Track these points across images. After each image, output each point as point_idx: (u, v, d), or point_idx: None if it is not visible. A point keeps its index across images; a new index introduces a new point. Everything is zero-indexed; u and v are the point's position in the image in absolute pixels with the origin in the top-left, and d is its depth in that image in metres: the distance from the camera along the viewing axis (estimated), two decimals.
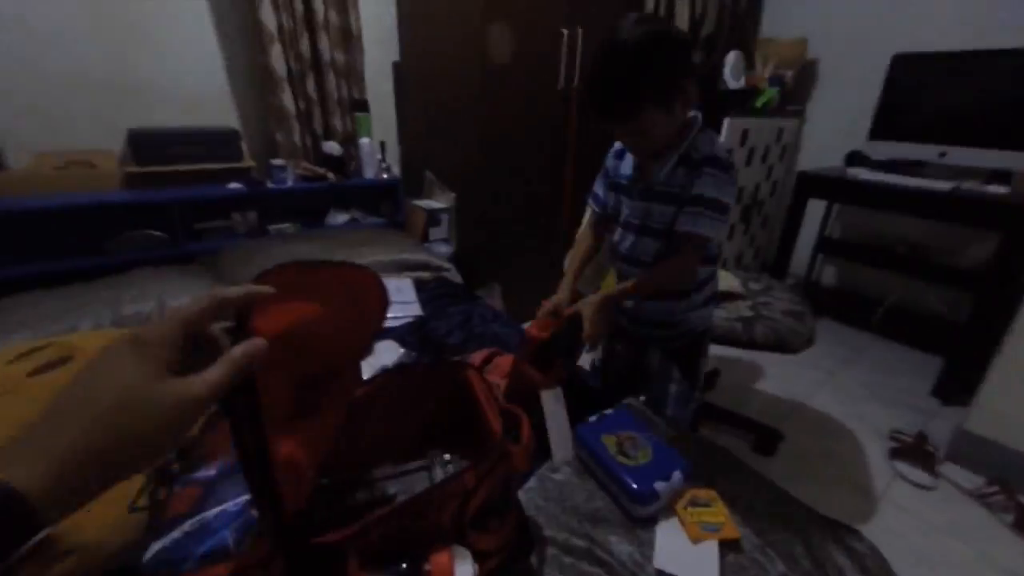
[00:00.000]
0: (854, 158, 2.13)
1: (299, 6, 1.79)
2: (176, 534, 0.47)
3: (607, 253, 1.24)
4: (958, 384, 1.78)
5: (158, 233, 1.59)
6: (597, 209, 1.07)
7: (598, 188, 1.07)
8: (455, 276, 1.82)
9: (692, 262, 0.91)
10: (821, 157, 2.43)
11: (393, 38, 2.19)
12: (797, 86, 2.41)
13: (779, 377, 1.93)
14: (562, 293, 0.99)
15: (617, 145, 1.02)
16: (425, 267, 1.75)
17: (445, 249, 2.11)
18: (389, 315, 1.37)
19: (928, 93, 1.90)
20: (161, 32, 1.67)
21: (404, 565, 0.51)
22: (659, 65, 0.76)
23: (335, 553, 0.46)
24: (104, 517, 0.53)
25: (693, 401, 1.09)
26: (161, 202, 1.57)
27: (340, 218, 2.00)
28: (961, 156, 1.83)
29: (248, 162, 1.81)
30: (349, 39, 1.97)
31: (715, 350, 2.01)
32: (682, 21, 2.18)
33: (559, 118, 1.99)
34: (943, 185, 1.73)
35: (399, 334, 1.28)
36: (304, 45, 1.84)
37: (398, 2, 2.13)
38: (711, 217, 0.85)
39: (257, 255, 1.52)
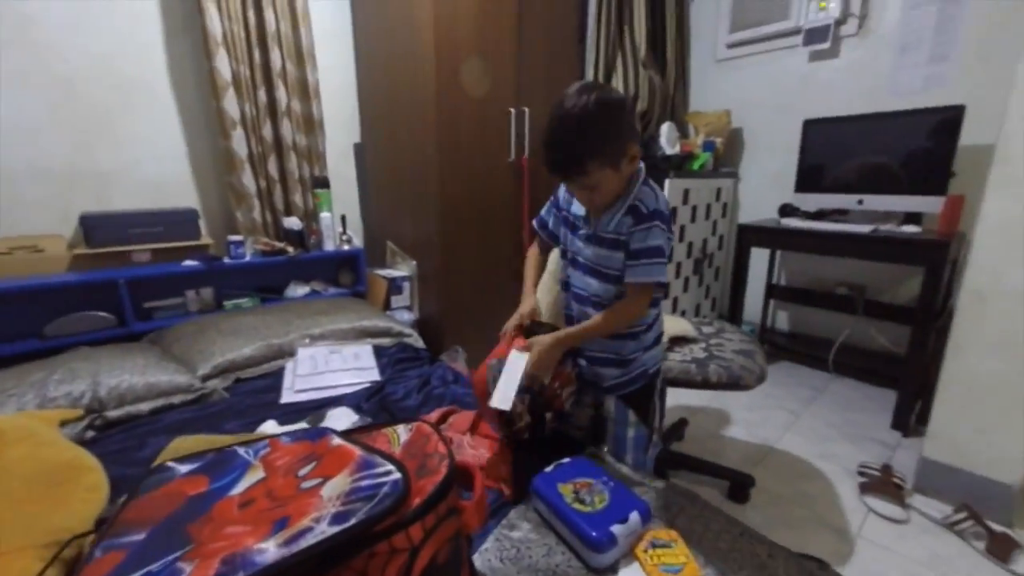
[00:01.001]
0: (786, 209, 2.32)
1: (263, 96, 1.91)
2: None
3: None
4: (914, 415, 1.84)
5: (103, 314, 1.55)
6: (544, 237, 1.13)
7: (547, 216, 1.12)
8: (417, 341, 1.81)
9: (643, 307, 0.97)
10: (758, 211, 2.63)
11: (354, 121, 2.34)
12: (728, 150, 2.67)
13: (746, 422, 1.93)
14: (525, 305, 1.07)
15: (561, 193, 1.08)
16: (386, 333, 1.74)
17: (408, 316, 2.12)
18: (345, 382, 1.35)
19: (839, 150, 2.13)
20: (124, 122, 1.74)
21: None
22: (602, 127, 0.85)
23: None
24: None
25: (652, 445, 1.08)
26: (105, 282, 1.54)
27: (300, 290, 2.00)
28: (877, 203, 2.02)
29: (206, 240, 1.83)
30: (311, 124, 2.09)
31: (680, 398, 2.06)
32: None
33: (512, 188, 2.12)
34: (864, 228, 1.90)
35: (355, 401, 1.24)
36: (267, 130, 1.95)
37: (358, 89, 2.31)
38: (662, 264, 0.93)
39: (207, 330, 1.49)
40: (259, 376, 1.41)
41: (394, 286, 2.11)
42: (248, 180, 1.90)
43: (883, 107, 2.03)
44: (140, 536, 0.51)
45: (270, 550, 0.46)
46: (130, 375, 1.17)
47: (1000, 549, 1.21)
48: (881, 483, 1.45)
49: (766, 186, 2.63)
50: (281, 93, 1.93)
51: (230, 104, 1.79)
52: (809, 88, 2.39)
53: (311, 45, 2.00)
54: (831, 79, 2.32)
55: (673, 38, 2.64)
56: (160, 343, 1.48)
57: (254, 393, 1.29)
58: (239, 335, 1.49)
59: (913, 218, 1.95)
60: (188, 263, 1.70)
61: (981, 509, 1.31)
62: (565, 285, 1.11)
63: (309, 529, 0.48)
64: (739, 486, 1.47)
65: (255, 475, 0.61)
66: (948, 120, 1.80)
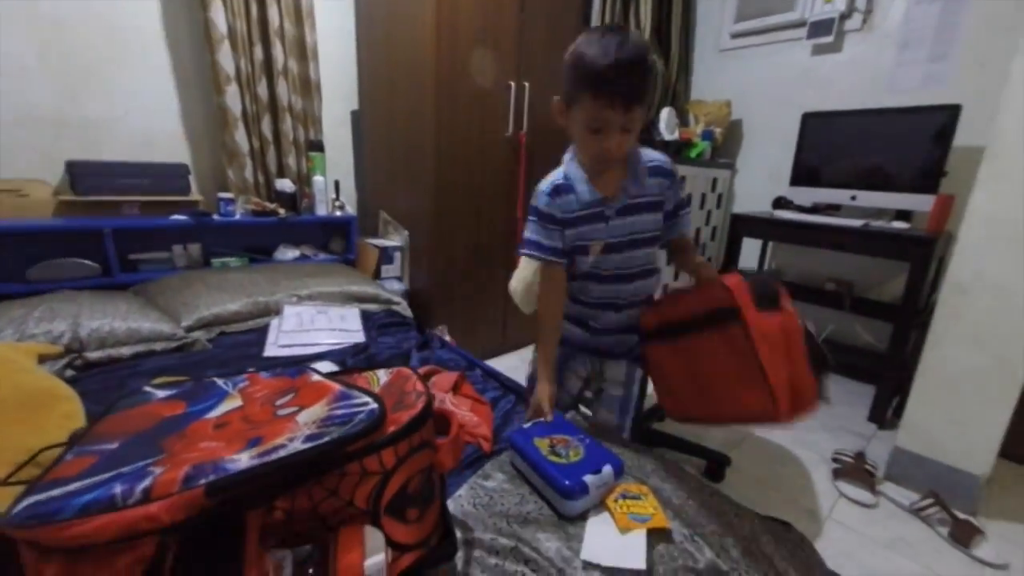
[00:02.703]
0: (780, 202, 2.33)
1: (259, 53, 1.87)
2: (55, 491, 0.42)
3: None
4: (891, 410, 1.87)
5: (88, 262, 1.53)
6: (554, 257, 0.96)
7: (554, 241, 0.95)
8: (405, 309, 1.81)
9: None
10: (752, 202, 2.64)
11: (353, 88, 2.31)
12: (726, 141, 2.66)
13: None
14: (546, 390, 0.94)
15: (546, 185, 0.96)
16: (374, 299, 1.73)
17: (398, 286, 2.11)
18: (329, 341, 1.34)
19: (836, 145, 2.14)
20: (114, 71, 1.70)
21: (309, 546, 0.48)
22: (653, 65, 0.85)
23: (235, 526, 0.43)
24: None
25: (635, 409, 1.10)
26: (90, 230, 1.51)
27: (290, 254, 1.98)
28: (870, 199, 2.04)
29: (195, 196, 1.80)
30: (308, 86, 2.06)
31: None
32: None
33: (509, 163, 2.10)
34: (855, 223, 1.91)
35: (339, 357, 1.24)
36: (262, 88, 1.91)
37: (358, 56, 2.27)
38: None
39: (194, 283, 1.48)
40: (244, 331, 1.40)
41: (385, 255, 2.10)
42: (241, 138, 1.87)
43: (882, 103, 2.04)
44: (112, 445, 0.51)
45: (242, 460, 0.46)
46: (111, 319, 1.15)
47: (963, 535, 1.25)
48: (853, 469, 1.48)
49: (762, 179, 2.64)
50: (278, 51, 1.90)
51: (225, 58, 1.76)
52: (810, 81, 2.39)
53: (311, 4, 1.96)
54: (832, 73, 2.31)
55: (678, 25, 2.62)
56: (144, 294, 1.47)
57: (237, 346, 1.28)
58: (225, 290, 1.48)
59: (904, 215, 1.97)
60: (176, 217, 1.67)
61: (948, 497, 1.34)
62: (589, 276, 1.01)
63: (282, 446, 0.48)
64: (715, 464, 1.49)
65: (232, 403, 0.61)
66: (944, 119, 1.81)
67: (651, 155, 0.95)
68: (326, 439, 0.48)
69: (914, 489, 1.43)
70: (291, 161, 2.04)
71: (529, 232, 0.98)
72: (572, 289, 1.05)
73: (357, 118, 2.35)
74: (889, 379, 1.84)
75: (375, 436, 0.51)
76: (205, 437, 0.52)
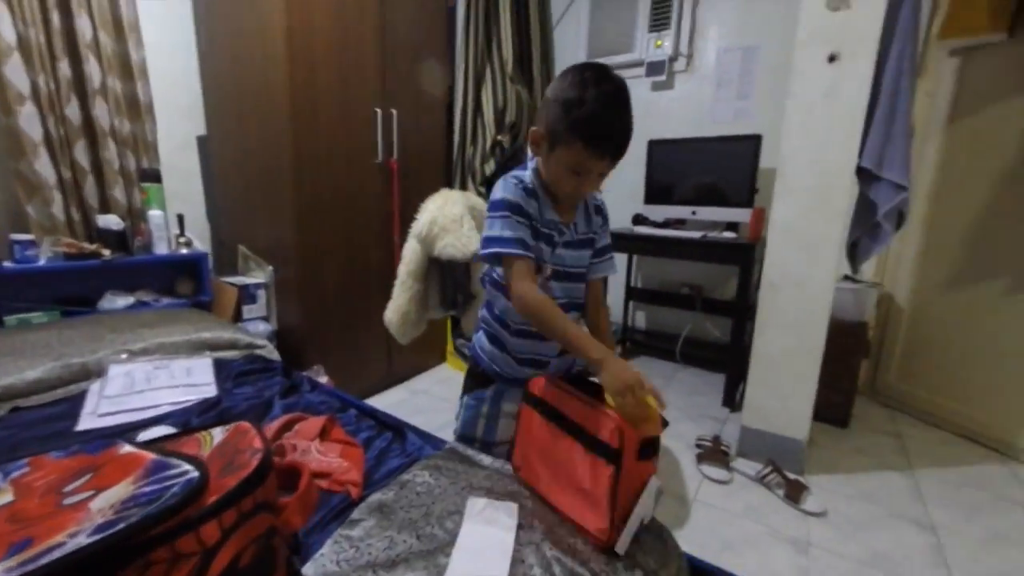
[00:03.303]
0: (637, 218, 2.60)
1: (65, 69, 1.60)
2: None
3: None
4: (739, 394, 2.16)
5: None
6: (532, 258, 0.87)
7: (524, 235, 0.86)
8: (271, 353, 1.64)
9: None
10: (616, 221, 2.88)
11: (197, 110, 2.09)
12: None
13: None
14: (626, 369, 0.74)
15: (515, 180, 0.88)
16: (232, 345, 1.54)
17: (264, 327, 1.92)
18: (170, 400, 1.16)
19: (677, 167, 2.46)
20: None
21: None
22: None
23: None
24: None
25: None
26: None
27: (120, 301, 1.69)
28: (706, 213, 2.36)
29: None
30: (136, 107, 1.81)
31: None
32: (487, 108, 2.51)
33: (380, 190, 2.05)
34: (695, 234, 2.21)
35: (183, 418, 1.07)
36: (72, 109, 1.63)
37: (202, 75, 2.06)
38: None
39: None
40: (49, 403, 1.14)
41: (246, 294, 1.90)
42: (44, 167, 1.57)
43: (707, 133, 2.40)
44: None
45: None
46: None
47: (794, 493, 1.47)
48: (712, 452, 1.67)
49: (623, 198, 2.92)
50: (92, 67, 1.64)
51: (14, 73, 1.47)
52: (652, 113, 2.73)
53: (133, 16, 1.75)
54: (669, 106, 2.67)
55: (538, 59, 2.82)
56: None
57: (36, 423, 1.04)
58: (22, 355, 1.20)
59: (732, 227, 2.32)
60: None
61: (782, 463, 1.58)
62: None
63: (59, 545, 0.40)
64: None
65: (2, 498, 0.50)
66: (751, 146, 2.18)
67: (592, 193, 0.98)
68: (120, 526, 0.41)
69: (759, 460, 1.65)
70: (118, 193, 1.76)
71: (494, 229, 0.86)
72: (508, 311, 0.95)
73: (205, 143, 2.12)
74: (733, 367, 2.12)
75: (190, 511, 0.45)
76: None
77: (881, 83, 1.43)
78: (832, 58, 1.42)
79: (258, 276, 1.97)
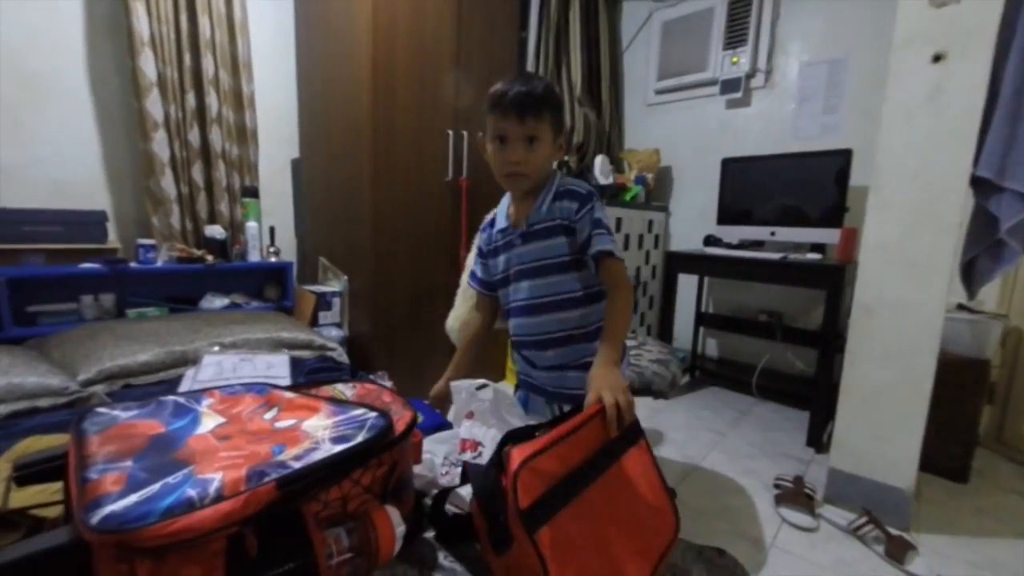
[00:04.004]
0: (709, 240, 2.47)
1: (191, 101, 1.86)
2: (125, 501, 0.45)
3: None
4: (827, 434, 1.93)
5: None
6: (477, 287, 1.10)
7: (475, 268, 1.11)
8: (341, 356, 1.73)
9: (626, 276, 0.92)
10: (686, 242, 2.79)
11: (294, 138, 2.32)
12: (658, 185, 2.84)
13: (675, 442, 1.96)
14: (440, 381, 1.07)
15: (483, 226, 1.08)
16: (307, 346, 1.65)
17: (336, 333, 2.04)
18: (242, 383, 1.26)
19: (753, 186, 2.32)
20: (28, 118, 1.64)
21: (351, 523, 0.56)
22: (558, 101, 0.93)
23: (295, 514, 0.51)
24: None
25: None
26: None
27: (218, 302, 1.88)
28: (787, 234, 2.20)
29: (113, 244, 1.70)
30: (244, 134, 2.05)
31: None
32: None
33: (450, 207, 2.14)
34: (774, 255, 2.05)
35: None
36: (194, 135, 1.89)
37: (299, 107, 2.30)
38: (612, 238, 0.92)
39: (100, 334, 1.36)
40: (153, 383, 1.29)
41: (323, 301, 2.04)
42: (168, 184, 1.81)
43: (789, 149, 2.26)
44: (127, 463, 0.51)
45: (288, 462, 0.52)
46: None
47: (897, 552, 1.26)
48: (793, 494, 1.49)
49: (693, 219, 2.81)
50: (212, 100, 1.89)
51: (153, 106, 1.73)
52: (727, 131, 2.62)
53: (248, 56, 1.99)
54: (745, 124, 2.56)
55: (607, 83, 2.84)
56: (40, 347, 1.33)
57: (141, 399, 1.17)
58: (137, 340, 1.37)
59: (818, 248, 2.13)
60: (87, 266, 1.57)
61: (880, 514, 1.37)
62: (510, 309, 1.06)
63: (314, 448, 0.55)
64: None
65: (213, 419, 0.64)
66: (840, 161, 2.02)
67: (568, 181, 0.96)
68: (359, 440, 0.57)
69: (850, 509, 1.45)
70: (223, 207, 1.99)
71: (473, 266, 1.10)
72: (510, 328, 1.08)
73: (298, 165, 2.34)
74: (820, 403, 1.91)
75: (389, 436, 0.60)
76: (218, 449, 0.56)
77: (1001, 83, 1.27)
78: (937, 58, 1.28)
79: (334, 285, 2.12)
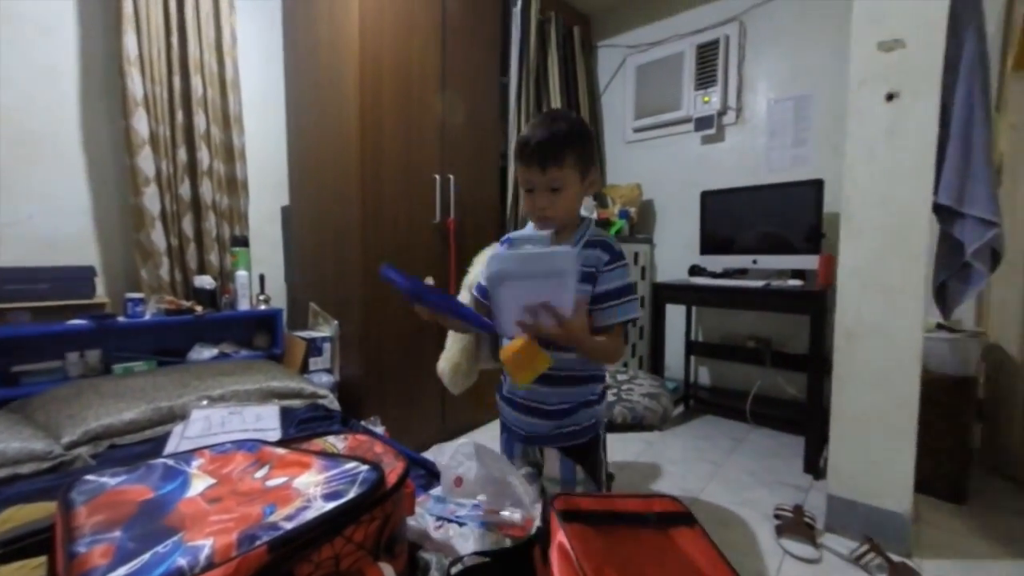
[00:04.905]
0: (694, 269, 2.53)
1: (182, 156, 1.91)
2: (115, 574, 0.45)
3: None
4: (823, 459, 1.93)
5: None
6: (484, 300, 1.06)
7: (484, 281, 1.06)
8: (332, 403, 1.72)
9: (623, 345, 0.98)
10: (672, 273, 2.85)
11: (283, 185, 2.37)
12: (641, 218, 2.92)
13: (672, 475, 1.94)
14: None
15: (500, 241, 1.05)
16: (297, 394, 1.64)
17: (327, 379, 2.02)
18: (232, 441, 1.24)
19: (733, 217, 2.40)
20: (19, 176, 1.65)
21: None
22: (582, 130, 0.93)
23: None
24: None
25: None
26: None
27: (206, 353, 1.87)
28: (768, 262, 2.27)
29: (101, 299, 1.70)
30: (234, 185, 2.09)
31: (609, 453, 2.04)
32: None
33: (438, 248, 2.18)
34: (758, 283, 2.10)
35: None
36: (184, 189, 1.92)
37: (288, 154, 2.36)
38: (635, 301, 0.95)
39: (85, 393, 1.34)
40: (139, 442, 1.26)
41: (313, 347, 2.03)
42: (158, 237, 1.83)
43: (763, 181, 2.35)
44: (115, 533, 0.51)
45: (280, 523, 0.52)
46: None
47: None
48: (794, 524, 1.48)
49: (678, 250, 2.88)
50: (203, 154, 1.94)
51: (145, 162, 1.77)
52: (704, 165, 2.73)
53: (239, 111, 2.06)
54: (720, 158, 2.67)
55: (587, 121, 2.96)
56: (23, 410, 1.31)
57: (126, 460, 1.14)
58: (122, 398, 1.35)
59: (799, 274, 2.19)
60: (74, 323, 1.56)
61: (881, 540, 1.36)
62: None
63: (305, 507, 0.55)
64: None
65: (203, 481, 0.63)
66: (812, 191, 2.11)
67: (602, 233, 0.98)
68: (351, 495, 0.57)
69: (851, 537, 1.44)
70: (213, 257, 2.01)
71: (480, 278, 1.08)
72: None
73: (287, 212, 2.38)
74: (813, 428, 1.91)
75: (381, 490, 0.60)
76: (208, 513, 0.55)
77: (950, 118, 1.35)
78: (891, 96, 1.37)
79: (325, 330, 2.11)
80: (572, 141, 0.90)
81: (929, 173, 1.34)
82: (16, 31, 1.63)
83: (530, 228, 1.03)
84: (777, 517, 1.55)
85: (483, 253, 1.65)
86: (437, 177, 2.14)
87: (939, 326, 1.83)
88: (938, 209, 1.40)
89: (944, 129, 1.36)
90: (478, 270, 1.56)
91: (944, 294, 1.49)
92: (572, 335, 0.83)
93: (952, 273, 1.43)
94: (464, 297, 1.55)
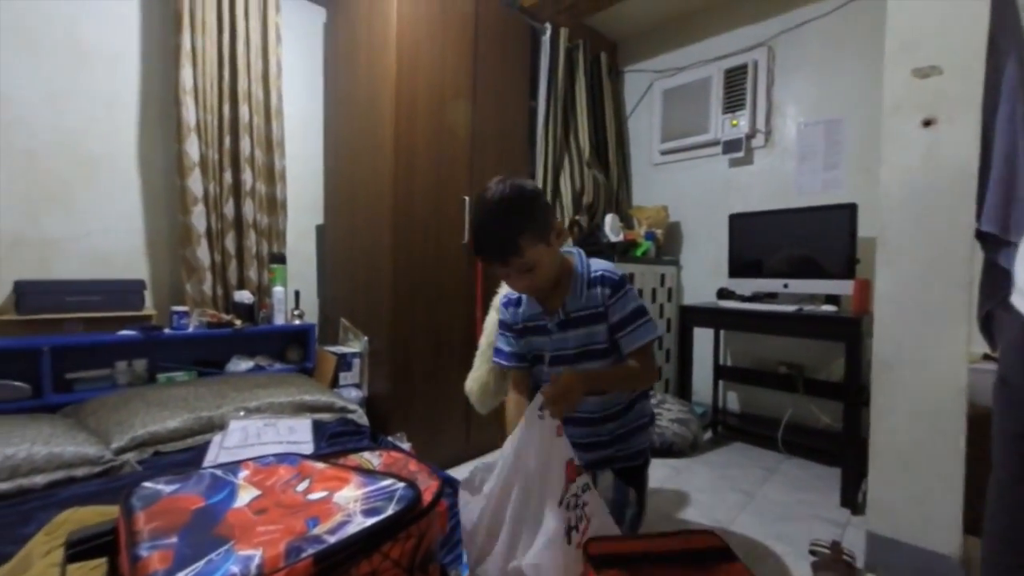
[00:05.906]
0: (723, 292, 2.49)
1: (228, 178, 2.02)
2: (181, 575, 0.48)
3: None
4: (861, 493, 1.85)
5: (17, 383, 1.45)
6: (511, 363, 1.06)
7: (503, 345, 1.07)
8: (361, 417, 1.75)
9: (655, 365, 0.99)
10: (699, 295, 2.82)
11: (319, 204, 2.47)
12: (668, 240, 2.91)
13: (701, 504, 1.89)
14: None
15: (502, 297, 1.08)
16: (328, 408, 1.68)
17: (356, 393, 2.06)
18: (275, 453, 1.28)
19: (763, 240, 2.37)
20: (80, 195, 1.78)
21: None
22: (522, 206, 0.89)
23: None
24: None
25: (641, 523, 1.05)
26: (26, 349, 1.47)
27: (243, 365, 1.94)
28: (800, 286, 2.22)
29: (149, 311, 1.79)
30: (274, 204, 2.19)
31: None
32: (566, 192, 2.68)
33: (466, 268, 2.22)
34: (789, 308, 2.06)
35: None
36: (229, 208, 2.02)
37: (325, 175, 2.46)
38: (652, 320, 0.97)
39: (132, 401, 1.41)
40: (181, 450, 1.31)
41: (343, 362, 2.08)
42: (203, 254, 1.92)
43: (793, 204, 2.33)
44: (172, 539, 0.54)
45: (323, 536, 0.54)
46: (30, 444, 1.07)
47: None
48: (832, 561, 1.42)
49: (705, 273, 2.85)
50: (247, 176, 2.05)
51: (194, 183, 1.88)
52: (732, 188, 2.71)
53: (282, 137, 2.17)
54: (749, 181, 2.65)
55: (614, 145, 3.00)
56: (76, 415, 1.38)
57: (170, 467, 1.20)
58: (166, 407, 1.41)
59: (832, 299, 2.14)
60: (123, 333, 1.64)
61: None
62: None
63: (346, 522, 0.57)
64: None
65: (249, 493, 0.66)
66: (845, 215, 2.07)
67: (598, 265, 0.99)
68: (389, 513, 0.58)
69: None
70: (252, 273, 2.09)
71: (498, 342, 1.10)
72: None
73: (322, 231, 2.47)
74: (850, 460, 1.84)
75: (417, 508, 0.61)
76: (255, 523, 0.58)
77: (991, 142, 1.32)
78: (928, 123, 1.36)
79: (355, 346, 2.16)
80: (520, 226, 0.86)
81: (970, 199, 1.31)
82: (84, 62, 1.78)
83: None
84: (813, 553, 1.49)
85: (497, 297, 1.67)
86: (467, 199, 2.19)
87: (986, 356, 1.75)
88: (981, 236, 1.35)
89: (985, 153, 1.33)
90: (495, 318, 1.55)
91: (990, 324, 1.43)
92: (570, 383, 0.83)
93: (998, 302, 1.38)
94: (491, 318, 1.57)
